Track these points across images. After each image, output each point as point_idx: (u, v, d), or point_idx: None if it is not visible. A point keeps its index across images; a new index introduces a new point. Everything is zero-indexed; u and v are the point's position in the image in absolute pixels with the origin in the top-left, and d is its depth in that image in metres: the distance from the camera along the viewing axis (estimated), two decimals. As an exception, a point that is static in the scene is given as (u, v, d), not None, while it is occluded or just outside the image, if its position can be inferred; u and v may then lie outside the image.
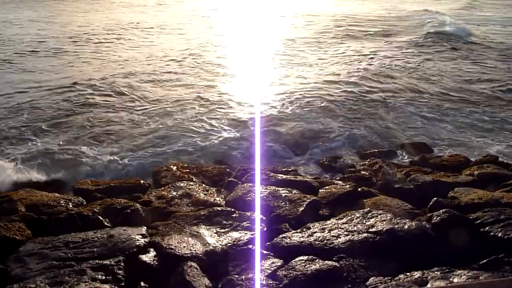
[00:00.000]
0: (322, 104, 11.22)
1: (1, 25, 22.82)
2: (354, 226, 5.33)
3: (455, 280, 4.30)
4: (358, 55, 17.15)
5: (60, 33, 20.83)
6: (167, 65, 15.35)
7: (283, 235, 5.28)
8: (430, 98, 12.11)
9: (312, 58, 16.82)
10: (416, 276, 4.38)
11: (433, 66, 15.59)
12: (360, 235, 5.13)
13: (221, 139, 9.30)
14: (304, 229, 5.37)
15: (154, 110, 10.91)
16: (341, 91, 12.30)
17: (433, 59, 16.63)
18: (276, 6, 33.44)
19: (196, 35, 21.24)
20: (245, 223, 5.52)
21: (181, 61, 15.94)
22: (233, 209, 5.87)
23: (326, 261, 4.67)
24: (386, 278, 4.42)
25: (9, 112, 10.47)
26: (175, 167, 7.61)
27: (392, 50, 18.10)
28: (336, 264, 4.65)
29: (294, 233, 5.31)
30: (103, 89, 12.25)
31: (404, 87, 12.98)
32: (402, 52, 17.67)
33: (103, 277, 4.40)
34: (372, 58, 16.65)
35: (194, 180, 7.19)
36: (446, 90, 12.93)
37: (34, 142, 8.82)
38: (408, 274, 4.44)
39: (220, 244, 5.08)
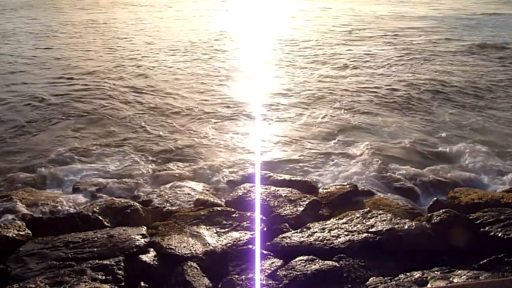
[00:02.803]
0: None
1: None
2: (354, 226, 5.33)
3: (455, 280, 4.30)
4: None
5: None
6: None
7: (283, 235, 5.28)
8: None
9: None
10: (416, 276, 4.38)
11: None
12: (360, 235, 5.12)
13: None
14: (304, 229, 5.37)
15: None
16: None
17: None
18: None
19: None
20: (245, 223, 5.52)
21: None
22: (233, 209, 5.87)
23: (326, 261, 4.67)
24: (386, 278, 4.42)
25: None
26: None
27: None
28: (336, 264, 4.65)
29: (294, 233, 5.31)
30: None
31: None
32: None
33: (103, 277, 4.40)
34: None
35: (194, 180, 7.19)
36: None
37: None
38: (408, 274, 4.44)
39: (220, 244, 5.08)
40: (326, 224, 5.45)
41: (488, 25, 24.36)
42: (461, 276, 4.35)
